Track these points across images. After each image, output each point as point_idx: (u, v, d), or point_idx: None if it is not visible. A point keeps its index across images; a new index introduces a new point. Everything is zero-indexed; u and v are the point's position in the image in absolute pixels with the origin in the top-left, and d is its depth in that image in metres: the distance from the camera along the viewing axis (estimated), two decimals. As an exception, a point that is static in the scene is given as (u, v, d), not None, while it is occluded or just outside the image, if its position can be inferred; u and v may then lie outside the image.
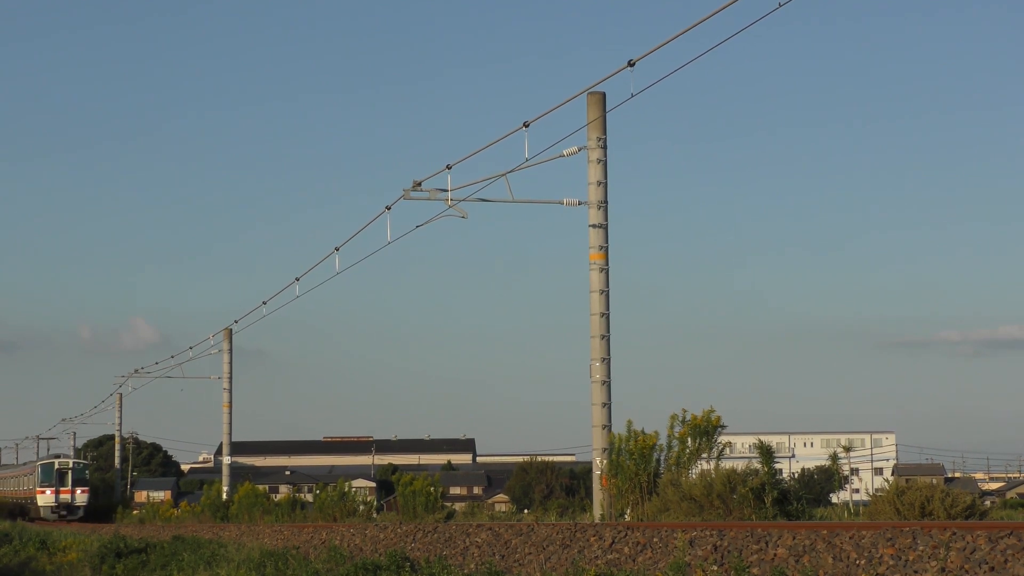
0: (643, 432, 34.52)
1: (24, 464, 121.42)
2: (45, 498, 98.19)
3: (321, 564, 24.90)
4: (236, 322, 73.37)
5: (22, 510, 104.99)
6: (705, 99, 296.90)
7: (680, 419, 34.93)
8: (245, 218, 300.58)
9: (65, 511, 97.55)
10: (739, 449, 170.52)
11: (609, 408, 34.76)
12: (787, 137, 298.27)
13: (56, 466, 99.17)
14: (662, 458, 34.92)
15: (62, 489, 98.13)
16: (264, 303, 61.44)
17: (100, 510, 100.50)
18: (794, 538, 16.36)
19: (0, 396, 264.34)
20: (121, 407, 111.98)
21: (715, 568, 16.45)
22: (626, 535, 19.54)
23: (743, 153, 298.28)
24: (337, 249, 45.47)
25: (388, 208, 38.91)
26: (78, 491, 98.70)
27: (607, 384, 34.64)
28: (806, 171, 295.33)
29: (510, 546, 21.90)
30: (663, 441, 35.06)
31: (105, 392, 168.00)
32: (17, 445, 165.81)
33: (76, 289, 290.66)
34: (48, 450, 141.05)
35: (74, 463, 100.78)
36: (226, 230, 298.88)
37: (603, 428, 34.60)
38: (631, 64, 28.61)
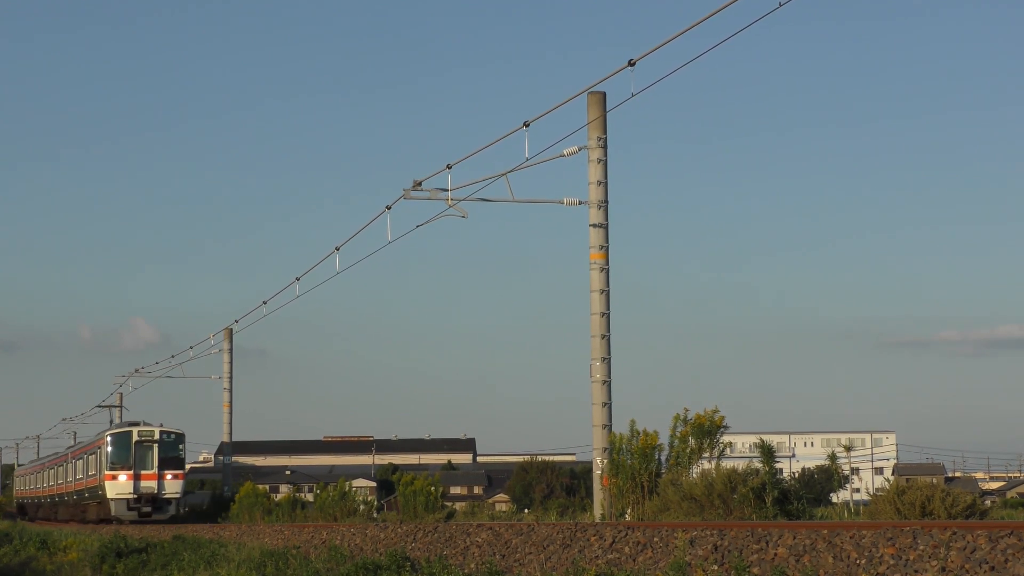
0: (646, 432, 34.57)
1: (82, 443, 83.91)
2: (118, 487, 65.65)
3: (322, 564, 24.90)
4: (236, 322, 73.41)
5: (79, 508, 76.19)
6: (705, 99, 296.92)
7: (682, 419, 34.99)
8: (245, 218, 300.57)
9: (149, 506, 65.71)
10: (739, 449, 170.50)
11: (609, 408, 34.78)
12: (787, 137, 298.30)
13: (135, 437, 66.41)
14: (663, 458, 34.99)
15: (144, 473, 65.79)
16: (264, 303, 61.52)
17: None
18: (794, 538, 16.36)
19: (0, 396, 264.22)
20: (122, 406, 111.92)
21: (715, 568, 16.45)
22: (626, 535, 19.54)
23: (743, 153, 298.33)
24: (337, 249, 45.51)
25: (388, 208, 38.93)
26: (168, 476, 66.00)
27: (607, 384, 34.66)
28: (806, 170, 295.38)
29: (510, 546, 21.90)
30: (664, 440, 35.15)
31: (105, 392, 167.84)
32: (17, 445, 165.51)
33: (76, 289, 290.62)
34: (111, 422, 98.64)
35: (162, 433, 67.02)
36: (226, 230, 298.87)
37: (603, 428, 34.62)
38: (631, 64, 28.61)
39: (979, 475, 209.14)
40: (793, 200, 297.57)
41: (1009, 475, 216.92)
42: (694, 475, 33.53)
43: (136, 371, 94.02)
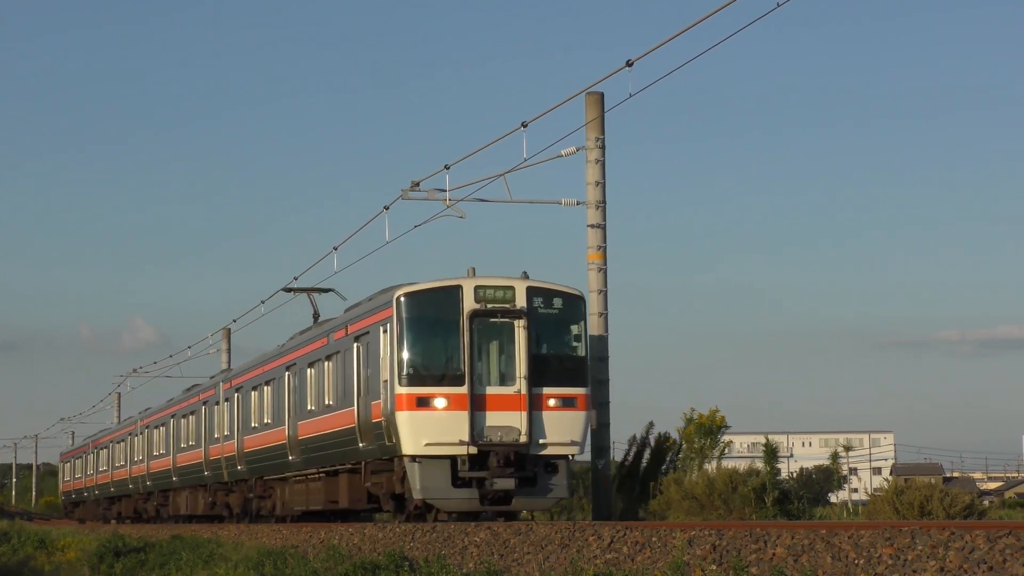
0: (663, 434, 34.75)
1: (296, 340, 38.46)
2: (429, 426, 28.28)
3: (320, 563, 24.89)
4: (235, 321, 73.05)
5: (271, 492, 40.92)
6: (704, 99, 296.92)
7: (688, 418, 35.20)
8: (244, 218, 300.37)
9: (511, 476, 28.22)
10: (737, 449, 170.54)
11: (608, 408, 34.80)
12: (786, 136, 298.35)
13: (470, 301, 28.53)
14: (673, 456, 35.20)
15: (493, 392, 28.48)
16: (263, 303, 61.20)
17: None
18: (793, 537, 16.37)
19: (0, 396, 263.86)
20: (120, 406, 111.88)
21: (714, 567, 16.46)
22: (625, 535, 19.54)
23: (742, 152, 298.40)
24: (335, 249, 45.39)
25: (386, 208, 38.87)
26: (551, 400, 28.76)
27: (606, 384, 34.66)
28: (805, 170, 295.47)
29: (509, 545, 21.90)
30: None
31: (104, 391, 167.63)
32: (16, 445, 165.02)
33: (76, 289, 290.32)
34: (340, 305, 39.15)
35: (534, 294, 28.99)
36: (226, 230, 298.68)
37: (603, 427, 34.63)
38: (629, 64, 28.59)
39: (977, 475, 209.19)
40: (792, 200, 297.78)
41: (1007, 475, 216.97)
42: (694, 475, 33.69)
43: (134, 371, 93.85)
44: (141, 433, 62.11)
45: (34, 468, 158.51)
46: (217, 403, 47.08)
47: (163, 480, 56.48)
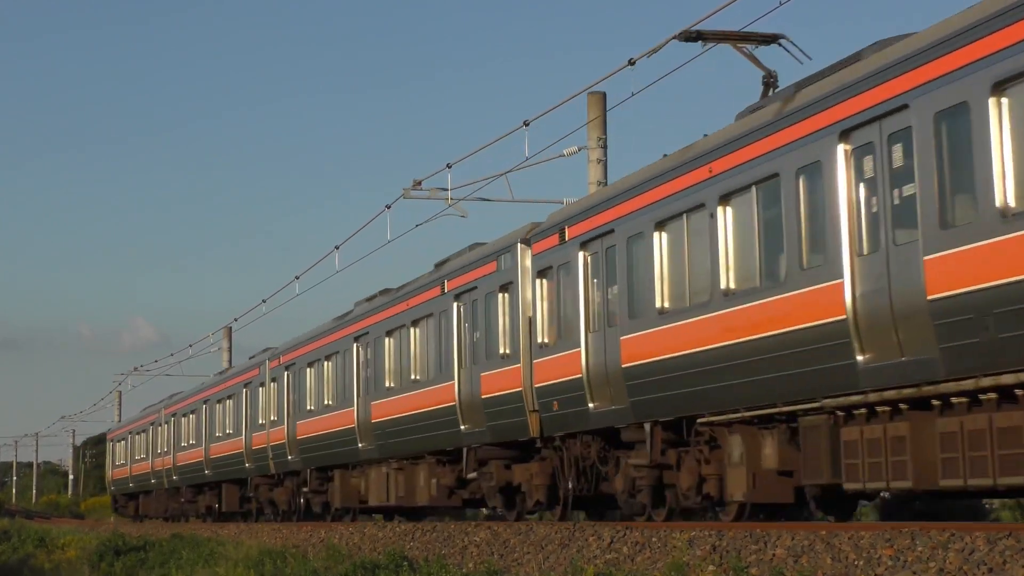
0: None
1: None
2: None
3: (320, 563, 24.90)
4: (236, 320, 72.89)
5: None
6: (706, 98, 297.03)
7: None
8: (245, 218, 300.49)
9: None
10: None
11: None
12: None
13: None
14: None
15: None
16: (264, 301, 61.09)
17: None
18: (793, 538, 16.36)
19: (0, 395, 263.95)
20: (120, 405, 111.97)
21: (713, 568, 16.44)
22: (625, 535, 19.54)
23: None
24: (337, 248, 45.30)
25: (388, 207, 38.86)
26: None
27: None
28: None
29: (508, 545, 21.91)
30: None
31: (104, 390, 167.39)
32: (16, 443, 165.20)
33: (76, 288, 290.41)
34: None
35: None
36: (226, 230, 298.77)
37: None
38: (632, 63, 28.57)
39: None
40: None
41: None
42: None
43: (135, 369, 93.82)
44: (272, 380, 40.14)
45: (35, 466, 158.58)
46: (445, 315, 28.63)
47: (325, 449, 35.10)
